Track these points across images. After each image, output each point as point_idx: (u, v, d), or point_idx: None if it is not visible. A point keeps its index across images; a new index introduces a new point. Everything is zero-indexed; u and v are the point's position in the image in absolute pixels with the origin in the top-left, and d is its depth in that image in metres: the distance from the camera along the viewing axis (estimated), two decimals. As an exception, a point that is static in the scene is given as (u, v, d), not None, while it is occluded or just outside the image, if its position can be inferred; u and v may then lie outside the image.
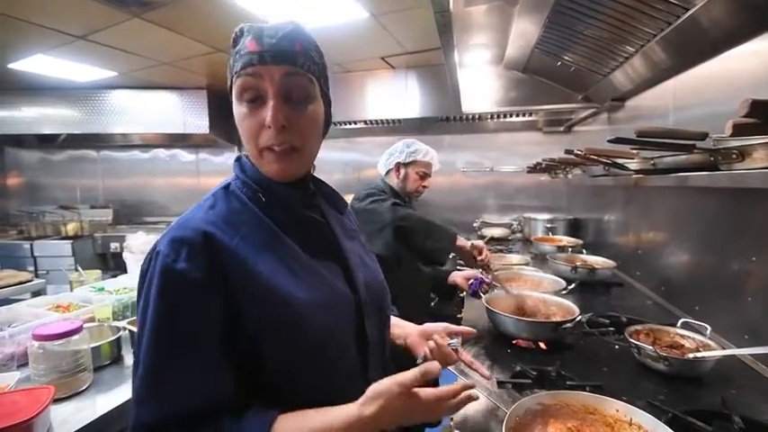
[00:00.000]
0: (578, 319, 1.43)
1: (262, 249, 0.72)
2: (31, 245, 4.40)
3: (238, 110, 0.74)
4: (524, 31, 2.21)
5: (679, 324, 1.39)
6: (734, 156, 0.97)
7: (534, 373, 1.19)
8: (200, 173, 5.46)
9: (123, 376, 1.34)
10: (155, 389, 0.62)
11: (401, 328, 1.03)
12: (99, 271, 2.33)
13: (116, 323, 1.58)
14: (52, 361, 1.17)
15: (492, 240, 3.83)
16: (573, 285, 1.90)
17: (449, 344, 0.91)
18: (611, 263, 2.30)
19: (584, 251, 2.71)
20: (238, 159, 0.83)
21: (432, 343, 0.91)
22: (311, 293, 0.73)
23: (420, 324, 1.03)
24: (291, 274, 0.73)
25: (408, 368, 0.72)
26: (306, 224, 0.81)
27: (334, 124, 2.47)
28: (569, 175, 2.77)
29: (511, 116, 3.90)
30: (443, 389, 0.69)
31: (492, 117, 4.01)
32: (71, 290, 2.04)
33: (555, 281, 1.96)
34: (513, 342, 1.46)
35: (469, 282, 2.11)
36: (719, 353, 1.17)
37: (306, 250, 0.78)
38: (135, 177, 5.50)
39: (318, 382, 0.72)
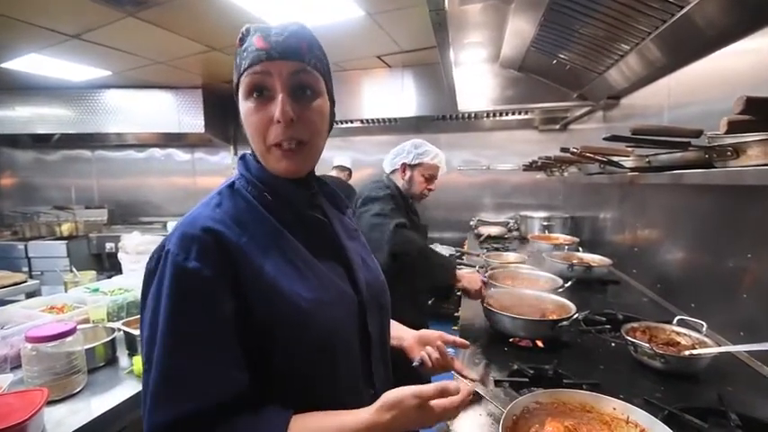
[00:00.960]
0: (575, 316, 1.43)
1: (268, 249, 0.72)
2: (26, 245, 4.37)
3: (245, 106, 0.73)
4: (520, 30, 2.21)
5: (675, 321, 1.39)
6: (728, 153, 0.97)
7: (531, 371, 1.19)
8: (195, 172, 5.44)
9: (118, 378, 1.33)
10: (173, 387, 0.61)
11: (396, 330, 1.04)
12: (94, 272, 2.31)
13: (111, 324, 1.57)
14: (46, 363, 1.16)
15: (489, 239, 3.83)
16: (569, 283, 1.90)
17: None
18: (607, 260, 2.30)
19: (580, 249, 2.72)
20: (243, 158, 0.83)
21: (429, 348, 0.96)
22: (317, 293, 0.73)
23: (418, 323, 1.05)
24: (298, 273, 0.73)
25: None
26: (310, 224, 0.81)
27: (330, 123, 2.44)
28: (565, 173, 2.77)
29: (507, 114, 3.91)
30: (453, 399, 0.71)
31: (488, 115, 4.02)
32: (66, 291, 2.02)
33: (551, 279, 1.96)
34: (510, 340, 1.46)
35: None
36: (715, 350, 1.18)
37: (310, 250, 0.78)
38: (130, 177, 5.47)
39: (324, 378, 0.73)
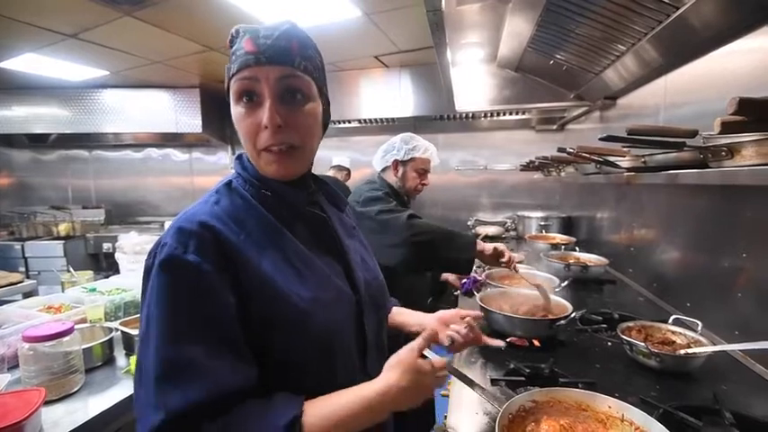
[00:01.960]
0: (572, 315, 1.44)
1: (266, 247, 0.72)
2: (23, 245, 4.35)
3: (236, 111, 0.73)
4: (517, 30, 2.22)
5: (670, 320, 1.40)
6: (723, 153, 0.97)
7: (527, 370, 1.19)
8: (193, 172, 5.43)
9: (115, 377, 1.33)
10: (177, 379, 0.59)
11: (413, 316, 1.09)
12: (91, 272, 2.31)
13: (108, 324, 1.57)
14: (43, 363, 1.16)
15: (486, 238, 3.84)
16: (566, 283, 1.91)
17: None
18: (603, 260, 2.31)
19: (577, 249, 2.73)
20: (239, 157, 0.82)
21: (454, 326, 1.01)
22: (316, 292, 0.73)
23: None
24: (296, 272, 0.73)
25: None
26: (308, 221, 0.81)
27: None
28: (562, 173, 2.78)
29: (504, 114, 3.92)
30: (437, 359, 0.76)
31: (485, 116, 4.03)
32: (63, 291, 2.02)
33: (548, 278, 1.97)
34: (507, 340, 1.46)
35: (462, 281, 2.11)
36: (710, 349, 1.18)
37: (309, 247, 0.78)
38: (127, 177, 5.46)
39: (321, 376, 0.73)
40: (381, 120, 4.27)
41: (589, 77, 2.37)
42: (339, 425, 0.65)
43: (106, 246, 4.48)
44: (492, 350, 1.40)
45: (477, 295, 1.64)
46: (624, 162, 1.50)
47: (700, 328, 1.33)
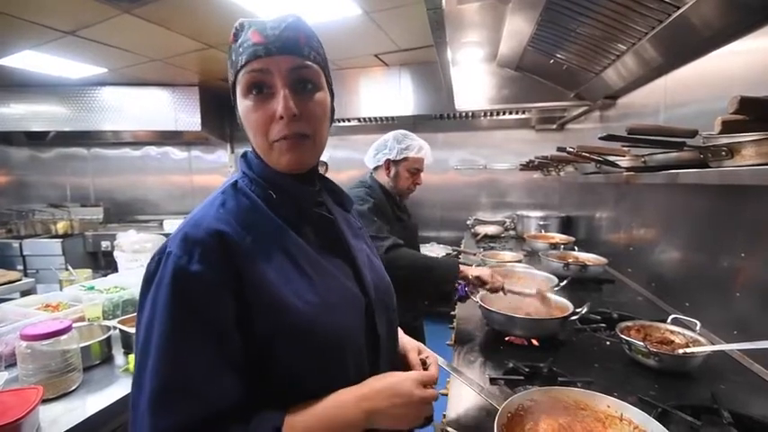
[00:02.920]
0: (583, 311, 1.46)
1: (273, 250, 0.70)
2: (21, 244, 4.35)
3: (244, 104, 0.72)
4: (517, 29, 2.21)
5: (669, 320, 1.40)
6: (723, 153, 0.97)
7: (526, 369, 1.20)
8: (192, 170, 5.42)
9: (114, 376, 1.33)
10: (176, 393, 0.59)
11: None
12: (89, 270, 2.31)
13: (106, 322, 1.56)
14: (40, 361, 1.15)
15: (485, 238, 3.84)
16: (565, 282, 1.91)
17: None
18: (602, 260, 2.32)
19: (576, 248, 2.73)
20: (244, 156, 0.81)
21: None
22: (324, 296, 0.71)
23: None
24: (303, 275, 0.71)
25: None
26: (315, 223, 0.80)
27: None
28: (561, 173, 2.78)
29: (504, 114, 3.92)
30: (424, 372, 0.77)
31: (485, 115, 4.03)
32: (61, 289, 2.02)
33: (547, 278, 1.97)
34: (506, 339, 1.46)
35: (456, 286, 2.07)
36: (709, 348, 1.18)
37: (315, 248, 0.76)
38: (126, 175, 5.45)
39: (332, 383, 0.70)
40: (381, 118, 4.27)
41: (589, 77, 2.37)
42: None
43: (105, 244, 4.48)
44: (491, 349, 1.40)
45: (478, 295, 1.61)
46: (624, 162, 1.50)
47: (698, 327, 1.33)
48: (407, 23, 2.93)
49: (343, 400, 0.68)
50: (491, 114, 3.97)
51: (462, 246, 3.43)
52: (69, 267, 2.28)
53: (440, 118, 4.21)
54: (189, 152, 5.42)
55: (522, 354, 1.35)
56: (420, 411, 0.72)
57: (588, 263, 2.27)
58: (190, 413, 0.58)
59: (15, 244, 4.35)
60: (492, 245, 3.48)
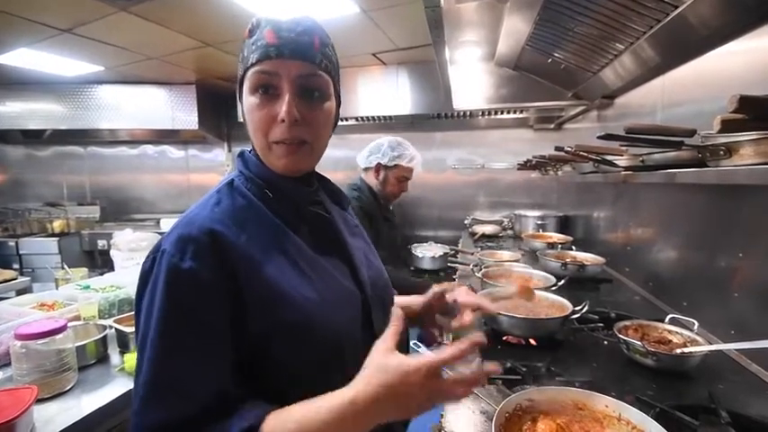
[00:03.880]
0: (584, 309, 1.47)
1: (269, 248, 0.70)
2: (17, 242, 4.32)
3: (249, 101, 0.72)
4: (515, 29, 2.21)
5: (667, 320, 1.40)
6: (721, 152, 0.97)
7: (524, 369, 1.19)
8: (189, 169, 5.40)
9: (109, 375, 1.32)
10: (163, 391, 0.60)
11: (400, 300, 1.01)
12: (86, 269, 2.29)
13: (102, 321, 1.55)
14: (35, 360, 1.14)
15: (483, 237, 3.84)
16: (562, 281, 1.91)
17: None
18: (600, 259, 2.32)
19: (573, 248, 2.73)
20: (241, 155, 0.81)
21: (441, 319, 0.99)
22: (321, 293, 0.71)
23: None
24: (300, 273, 0.71)
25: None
26: (312, 221, 0.80)
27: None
28: (559, 173, 2.78)
29: (502, 113, 3.91)
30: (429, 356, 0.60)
31: (483, 114, 4.02)
32: (57, 288, 2.00)
33: (545, 277, 1.97)
34: (504, 338, 1.46)
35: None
36: (706, 348, 1.19)
37: (312, 247, 0.76)
38: (123, 174, 5.42)
39: (329, 380, 0.68)
40: (379, 117, 4.26)
41: (587, 76, 2.37)
42: None
43: (101, 243, 4.45)
44: (489, 349, 1.40)
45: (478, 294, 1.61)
46: (622, 161, 1.50)
47: (696, 327, 1.33)
48: (405, 22, 2.92)
49: (341, 410, 0.60)
50: (489, 114, 3.97)
51: (460, 245, 3.44)
52: (65, 266, 2.27)
53: (438, 117, 4.20)
54: (186, 151, 5.39)
55: (520, 353, 1.35)
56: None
57: (586, 262, 2.27)
58: (179, 410, 0.59)
59: (11, 243, 4.32)
60: (489, 244, 3.48)
